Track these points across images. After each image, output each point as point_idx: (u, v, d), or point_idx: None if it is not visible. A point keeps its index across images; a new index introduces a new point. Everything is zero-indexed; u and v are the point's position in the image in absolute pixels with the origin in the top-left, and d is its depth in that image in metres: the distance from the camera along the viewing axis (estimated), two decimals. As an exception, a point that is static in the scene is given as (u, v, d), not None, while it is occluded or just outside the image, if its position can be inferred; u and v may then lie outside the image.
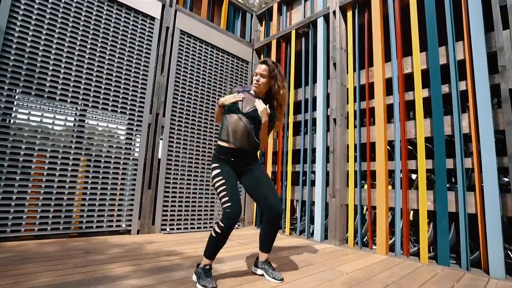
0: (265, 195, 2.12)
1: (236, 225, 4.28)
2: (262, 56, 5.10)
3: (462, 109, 2.88)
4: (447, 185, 2.84)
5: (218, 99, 4.47)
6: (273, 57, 4.74)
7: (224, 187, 1.99)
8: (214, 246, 1.96)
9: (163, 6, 3.99)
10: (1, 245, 2.71)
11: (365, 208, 3.54)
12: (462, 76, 2.89)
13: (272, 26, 5.07)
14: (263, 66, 2.17)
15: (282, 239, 3.75)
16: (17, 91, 2.96)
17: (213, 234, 1.94)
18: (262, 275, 2.19)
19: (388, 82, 3.45)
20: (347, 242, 3.56)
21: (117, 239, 3.27)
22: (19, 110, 3.00)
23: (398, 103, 3.24)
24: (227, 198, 1.95)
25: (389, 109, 3.46)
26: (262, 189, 2.15)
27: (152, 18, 3.89)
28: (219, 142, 2.13)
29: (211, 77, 4.49)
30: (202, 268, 1.95)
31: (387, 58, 3.49)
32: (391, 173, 3.38)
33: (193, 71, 4.29)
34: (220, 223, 1.91)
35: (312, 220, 3.98)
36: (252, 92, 2.23)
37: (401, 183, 3.12)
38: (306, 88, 4.29)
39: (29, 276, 1.97)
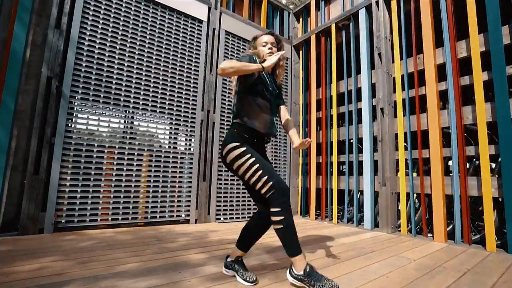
0: None
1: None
2: (301, 52, 4.85)
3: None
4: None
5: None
6: (313, 51, 4.48)
7: (258, 165, 1.54)
8: (291, 238, 1.50)
9: (209, 9, 3.86)
10: (84, 233, 2.74)
11: (414, 196, 3.24)
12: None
13: (310, 22, 4.80)
14: (272, 37, 1.84)
15: (331, 227, 3.54)
16: (90, 99, 2.97)
17: (281, 232, 1.48)
18: (234, 276, 1.69)
19: (439, 68, 3.12)
20: (398, 230, 3.29)
21: (180, 228, 3.20)
22: (101, 115, 3.02)
23: (453, 89, 2.91)
24: (268, 175, 1.51)
25: (441, 95, 3.13)
26: None
27: (200, 21, 3.78)
28: (246, 123, 1.63)
29: (254, 74, 4.32)
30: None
31: (437, 43, 3.15)
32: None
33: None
34: (277, 208, 1.46)
35: (360, 209, 3.73)
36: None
37: (458, 169, 2.81)
38: (349, 80, 4.01)
39: (118, 261, 1.94)
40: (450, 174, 2.91)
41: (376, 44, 3.57)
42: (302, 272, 1.45)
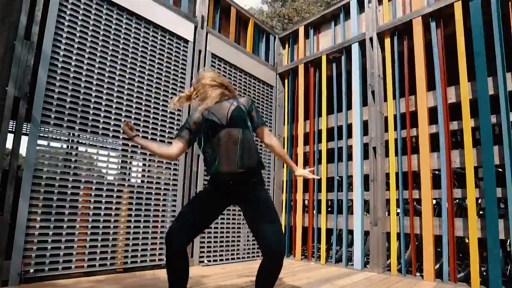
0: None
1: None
2: (286, 80, 5.35)
3: None
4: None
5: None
6: (301, 82, 5.01)
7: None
8: None
9: (195, 28, 4.15)
10: (56, 284, 2.70)
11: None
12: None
13: (297, 49, 5.35)
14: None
15: (320, 268, 3.93)
16: (64, 126, 3.00)
17: None
18: None
19: (431, 111, 3.78)
20: (388, 270, 3.79)
21: (165, 273, 3.30)
22: (77, 144, 3.05)
23: (443, 132, 3.56)
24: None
25: (432, 138, 3.78)
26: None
27: (186, 41, 4.04)
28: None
29: (239, 100, 4.65)
30: None
31: (429, 87, 3.82)
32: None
33: (224, 94, 4.43)
34: None
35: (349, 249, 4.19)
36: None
37: (447, 211, 3.42)
38: (339, 115, 4.56)
39: None
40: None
41: (370, 82, 4.18)
42: None
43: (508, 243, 3.20)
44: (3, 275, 2.56)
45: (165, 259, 1.82)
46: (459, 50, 3.57)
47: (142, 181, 3.50)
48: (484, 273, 3.28)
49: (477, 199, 3.33)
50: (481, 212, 3.41)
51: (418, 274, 3.58)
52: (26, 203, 2.72)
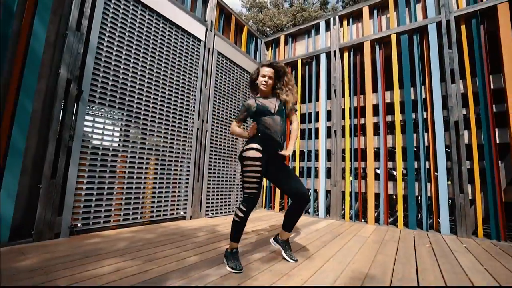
0: (296, 183, 1.99)
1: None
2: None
3: (425, 129, 3.72)
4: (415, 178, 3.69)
5: (237, 107, 4.63)
6: (279, 77, 5.07)
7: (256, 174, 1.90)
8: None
9: (206, 30, 3.97)
10: (102, 235, 2.59)
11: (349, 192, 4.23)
12: (425, 108, 3.74)
13: (278, 52, 5.38)
14: (270, 70, 2.05)
15: (294, 217, 4.22)
16: (106, 105, 2.78)
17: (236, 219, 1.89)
18: (278, 249, 2.20)
19: (374, 107, 4.16)
20: (343, 217, 4.21)
21: (183, 224, 3.30)
22: (115, 120, 2.83)
23: (382, 123, 3.97)
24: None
25: (375, 126, 4.18)
26: (291, 177, 2.02)
27: (199, 40, 3.86)
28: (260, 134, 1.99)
29: (234, 90, 4.61)
30: (230, 252, 1.92)
31: (373, 89, 4.18)
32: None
33: (224, 84, 4.36)
34: (243, 207, 1.87)
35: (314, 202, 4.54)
36: (261, 95, 2.11)
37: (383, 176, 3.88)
38: (309, 105, 4.77)
39: (177, 256, 2.05)
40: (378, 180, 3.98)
41: (333, 82, 4.42)
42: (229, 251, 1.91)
43: (419, 198, 3.77)
44: (56, 229, 2.40)
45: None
46: (393, 68, 3.96)
47: (164, 152, 3.37)
48: (405, 218, 3.84)
49: (403, 169, 3.84)
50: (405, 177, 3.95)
51: (363, 220, 4.04)
52: (76, 169, 2.52)
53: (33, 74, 2.30)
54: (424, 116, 3.71)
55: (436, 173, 3.54)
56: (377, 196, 3.97)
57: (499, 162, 3.25)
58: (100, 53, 2.73)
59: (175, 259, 2.00)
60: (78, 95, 2.55)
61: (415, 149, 3.79)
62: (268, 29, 12.22)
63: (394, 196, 3.97)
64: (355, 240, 2.87)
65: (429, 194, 3.55)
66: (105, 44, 2.77)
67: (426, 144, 3.66)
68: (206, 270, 1.79)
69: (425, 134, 3.67)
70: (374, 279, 1.78)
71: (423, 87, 3.79)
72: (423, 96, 3.75)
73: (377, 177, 4.02)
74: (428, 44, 3.79)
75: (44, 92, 2.40)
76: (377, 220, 3.92)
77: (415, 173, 3.78)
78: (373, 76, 4.23)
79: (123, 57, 2.92)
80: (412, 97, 3.83)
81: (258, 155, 1.92)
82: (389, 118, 4.04)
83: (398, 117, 3.85)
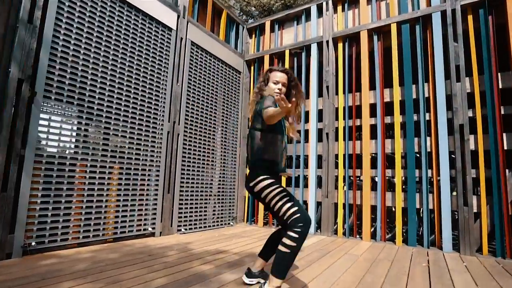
0: None
1: (231, 223, 4.93)
2: (252, 67, 5.72)
3: (428, 133, 4.12)
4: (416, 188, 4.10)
5: (216, 107, 4.95)
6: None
7: (285, 193, 1.96)
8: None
9: (178, 17, 4.28)
10: (59, 254, 2.86)
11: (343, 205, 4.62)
12: (427, 109, 4.15)
13: (263, 40, 5.72)
14: (285, 76, 2.17)
15: (281, 233, 4.57)
16: (63, 107, 3.06)
17: (287, 250, 1.83)
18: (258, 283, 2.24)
19: (372, 106, 4.55)
20: (335, 233, 4.59)
21: (152, 241, 3.60)
22: (74, 125, 3.11)
23: (380, 125, 4.36)
24: (292, 203, 1.91)
25: (372, 128, 4.57)
26: None
27: (170, 29, 4.16)
28: (270, 159, 2.08)
29: (213, 86, 4.93)
30: None
31: (371, 86, 4.57)
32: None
33: (200, 80, 4.68)
34: (294, 234, 1.82)
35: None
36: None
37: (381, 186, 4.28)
38: (298, 103, 5.13)
39: (143, 278, 2.34)
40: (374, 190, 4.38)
41: (325, 78, 4.79)
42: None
43: (421, 211, 4.17)
44: (7, 248, 2.66)
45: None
46: (393, 63, 4.36)
47: (130, 158, 3.66)
48: (404, 233, 4.24)
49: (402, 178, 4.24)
50: (403, 187, 4.35)
51: (358, 236, 4.43)
52: (29, 180, 2.79)
53: (-21, 75, 2.56)
54: (427, 118, 4.12)
55: (438, 183, 3.95)
56: (373, 208, 4.37)
57: (507, 171, 3.66)
58: (56, 48, 3.00)
59: (142, 280, 2.30)
60: (31, 96, 2.82)
61: (417, 155, 4.19)
62: (253, 8, 12.54)
63: (393, 209, 4.38)
64: (346, 258, 3.23)
65: (431, 207, 3.96)
66: (61, 37, 3.04)
67: (428, 149, 4.06)
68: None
69: (428, 138, 4.08)
70: (352, 298, 2.13)
71: (426, 84, 4.19)
72: (426, 94, 4.16)
73: (374, 187, 4.41)
74: (432, 35, 4.19)
75: (-8, 94, 2.66)
76: (373, 236, 4.31)
77: (416, 182, 4.19)
78: (371, 70, 4.62)
79: (82, 52, 3.20)
80: (414, 96, 4.23)
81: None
82: (388, 119, 4.43)
83: (398, 118, 4.25)
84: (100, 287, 2.14)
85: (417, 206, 4.04)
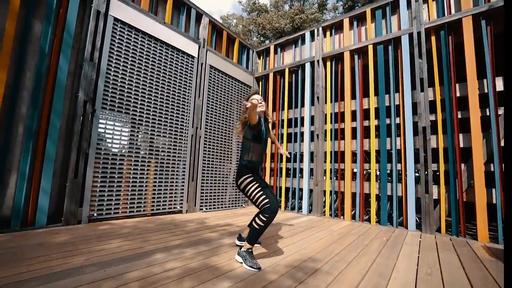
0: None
1: (243, 205, 5.36)
2: (260, 83, 6.14)
3: (397, 134, 4.32)
4: (388, 179, 4.31)
5: (231, 114, 5.43)
6: (271, 86, 5.83)
7: (261, 187, 2.31)
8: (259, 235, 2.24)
9: (199, 47, 4.79)
10: (113, 223, 3.47)
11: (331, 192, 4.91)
12: (397, 114, 4.34)
13: (269, 61, 6.12)
14: (259, 96, 2.54)
15: (282, 213, 4.97)
16: (115, 119, 3.67)
17: (257, 227, 2.21)
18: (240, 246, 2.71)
19: (353, 113, 4.80)
20: (324, 214, 4.90)
21: (179, 216, 4.16)
22: (122, 131, 3.73)
23: (359, 127, 4.61)
24: (265, 196, 2.25)
25: (353, 130, 4.82)
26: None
27: (192, 57, 4.69)
28: (252, 159, 2.42)
29: (227, 98, 5.41)
30: (246, 251, 2.25)
31: (352, 96, 4.82)
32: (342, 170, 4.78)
33: (217, 94, 5.18)
34: (263, 217, 2.19)
35: (299, 201, 5.26)
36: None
37: (359, 177, 4.53)
38: (295, 110, 5.48)
39: (166, 239, 2.85)
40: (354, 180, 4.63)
41: (316, 90, 5.10)
42: (245, 250, 2.24)
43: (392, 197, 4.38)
44: (78, 217, 3.31)
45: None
46: (370, 76, 4.57)
47: (163, 155, 4.24)
48: (378, 216, 4.48)
49: (376, 170, 4.46)
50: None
51: (341, 217, 4.72)
52: (91, 170, 3.42)
53: (60, 99, 3.21)
54: (397, 121, 4.31)
55: (406, 175, 4.15)
56: (354, 195, 4.63)
57: (462, 165, 3.83)
58: (109, 77, 3.61)
59: (164, 241, 2.83)
60: (92, 112, 3.45)
61: (392, 151, 4.40)
62: (267, 31, 12.92)
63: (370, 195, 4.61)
64: (323, 232, 3.57)
65: (400, 194, 4.17)
66: (113, 69, 3.65)
67: (398, 147, 4.26)
68: (185, 249, 2.60)
69: (398, 138, 4.28)
70: (314, 260, 2.43)
71: (396, 94, 4.38)
72: (397, 102, 4.35)
73: (354, 177, 4.67)
74: (401, 54, 4.36)
75: (67, 112, 3.32)
76: (354, 217, 4.58)
77: (388, 174, 4.39)
78: (352, 83, 4.87)
79: (127, 77, 3.80)
80: (387, 104, 4.44)
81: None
82: (366, 123, 4.66)
83: (373, 122, 4.48)
84: (136, 243, 2.69)
85: (389, 193, 4.26)
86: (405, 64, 4.27)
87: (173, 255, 2.38)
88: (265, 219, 2.19)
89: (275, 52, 6.02)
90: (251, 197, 2.36)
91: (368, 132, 4.70)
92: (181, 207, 4.43)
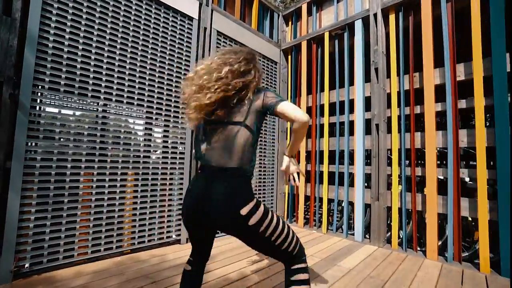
0: None
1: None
2: (290, 56, 4.30)
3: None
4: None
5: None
6: (304, 57, 3.96)
7: (284, 222, 1.21)
8: None
9: (200, 5, 3.10)
10: (54, 276, 1.99)
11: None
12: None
13: (300, 26, 4.24)
14: None
15: (324, 239, 3.22)
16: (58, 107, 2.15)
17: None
18: None
19: (437, 88, 2.85)
20: (388, 243, 3.08)
21: (172, 252, 2.59)
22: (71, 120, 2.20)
23: (451, 111, 2.67)
24: (292, 232, 1.22)
25: (439, 116, 2.90)
26: None
27: (191, 18, 3.02)
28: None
29: (244, 79, 3.70)
30: None
31: (437, 63, 2.86)
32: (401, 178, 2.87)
33: (229, 73, 3.49)
34: (303, 275, 1.19)
35: (349, 219, 3.46)
36: None
37: (452, 190, 2.62)
38: (340, 91, 3.61)
39: None
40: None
41: (373, 59, 3.18)
42: None
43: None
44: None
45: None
46: (473, 24, 2.57)
47: (145, 161, 2.67)
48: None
49: (488, 180, 2.51)
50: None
51: (419, 249, 2.86)
52: (18, 196, 1.94)
53: None
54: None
55: None
56: (444, 217, 2.74)
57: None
58: (45, 44, 2.07)
59: None
60: (13, 100, 1.95)
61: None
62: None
63: (469, 218, 2.70)
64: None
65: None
66: (52, 31, 2.10)
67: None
68: None
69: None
70: None
71: None
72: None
73: (442, 188, 2.77)
74: None
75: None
76: (444, 253, 2.70)
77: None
78: (436, 43, 2.89)
79: (80, 47, 2.23)
80: (509, 69, 2.44)
81: None
82: (461, 103, 2.71)
83: (480, 101, 2.51)
84: None
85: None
86: None
87: None
88: (307, 276, 1.18)
89: (309, 14, 4.10)
90: (272, 239, 1.13)
91: (468, 118, 2.74)
92: (178, 235, 2.86)
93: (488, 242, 2.37)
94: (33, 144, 2.06)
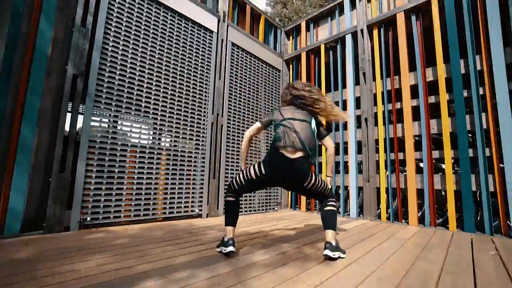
0: None
1: (275, 208, 4.26)
2: (291, 65, 5.05)
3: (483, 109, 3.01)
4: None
5: (257, 101, 4.40)
6: (303, 66, 4.72)
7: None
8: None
9: (218, 21, 3.85)
10: (110, 230, 2.54)
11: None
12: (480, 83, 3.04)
13: (300, 40, 5.03)
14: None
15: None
16: (114, 99, 2.78)
17: (334, 209, 2.02)
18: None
19: (412, 88, 3.55)
20: (379, 218, 3.65)
21: (197, 222, 3.14)
22: (123, 114, 2.83)
23: (423, 105, 3.35)
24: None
25: (414, 110, 3.57)
26: None
27: (211, 32, 3.75)
28: None
29: (253, 83, 4.40)
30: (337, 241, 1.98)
31: (411, 67, 3.58)
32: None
33: (241, 77, 4.18)
34: (333, 201, 2.05)
35: (345, 201, 4.03)
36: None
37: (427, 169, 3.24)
38: (335, 93, 4.32)
39: (171, 253, 1.85)
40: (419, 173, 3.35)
41: (361, 65, 3.92)
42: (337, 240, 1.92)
43: (478, 194, 3.06)
44: (65, 222, 2.41)
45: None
46: (435, 38, 3.32)
47: (176, 146, 3.27)
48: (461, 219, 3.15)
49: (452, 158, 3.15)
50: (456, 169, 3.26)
51: (403, 221, 3.44)
52: (84, 163, 2.53)
53: (40, 72, 2.37)
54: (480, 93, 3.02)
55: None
56: (422, 192, 3.34)
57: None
58: (106, 48, 2.75)
59: (168, 257, 1.81)
60: (83, 90, 2.58)
61: (469, 135, 3.10)
62: (287, 10, 11.62)
63: (443, 193, 3.31)
64: (391, 242, 2.36)
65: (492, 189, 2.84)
66: (111, 39, 2.78)
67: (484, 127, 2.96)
68: (195, 270, 1.56)
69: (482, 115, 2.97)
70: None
71: (477, 57, 3.09)
72: (479, 67, 3.06)
73: (419, 170, 3.39)
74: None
75: (50, 87, 2.46)
76: (422, 221, 3.29)
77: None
78: (409, 52, 3.63)
79: (130, 51, 2.92)
80: (463, 71, 3.15)
81: None
82: (431, 99, 3.40)
83: (443, 96, 3.20)
84: (125, 260, 1.70)
85: (474, 188, 2.94)
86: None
87: (173, 283, 1.35)
88: (335, 202, 2.07)
89: (307, 29, 4.90)
90: (320, 189, 2.03)
91: (437, 110, 3.43)
92: (200, 210, 3.42)
93: (454, 207, 2.97)
94: (96, 124, 2.66)
